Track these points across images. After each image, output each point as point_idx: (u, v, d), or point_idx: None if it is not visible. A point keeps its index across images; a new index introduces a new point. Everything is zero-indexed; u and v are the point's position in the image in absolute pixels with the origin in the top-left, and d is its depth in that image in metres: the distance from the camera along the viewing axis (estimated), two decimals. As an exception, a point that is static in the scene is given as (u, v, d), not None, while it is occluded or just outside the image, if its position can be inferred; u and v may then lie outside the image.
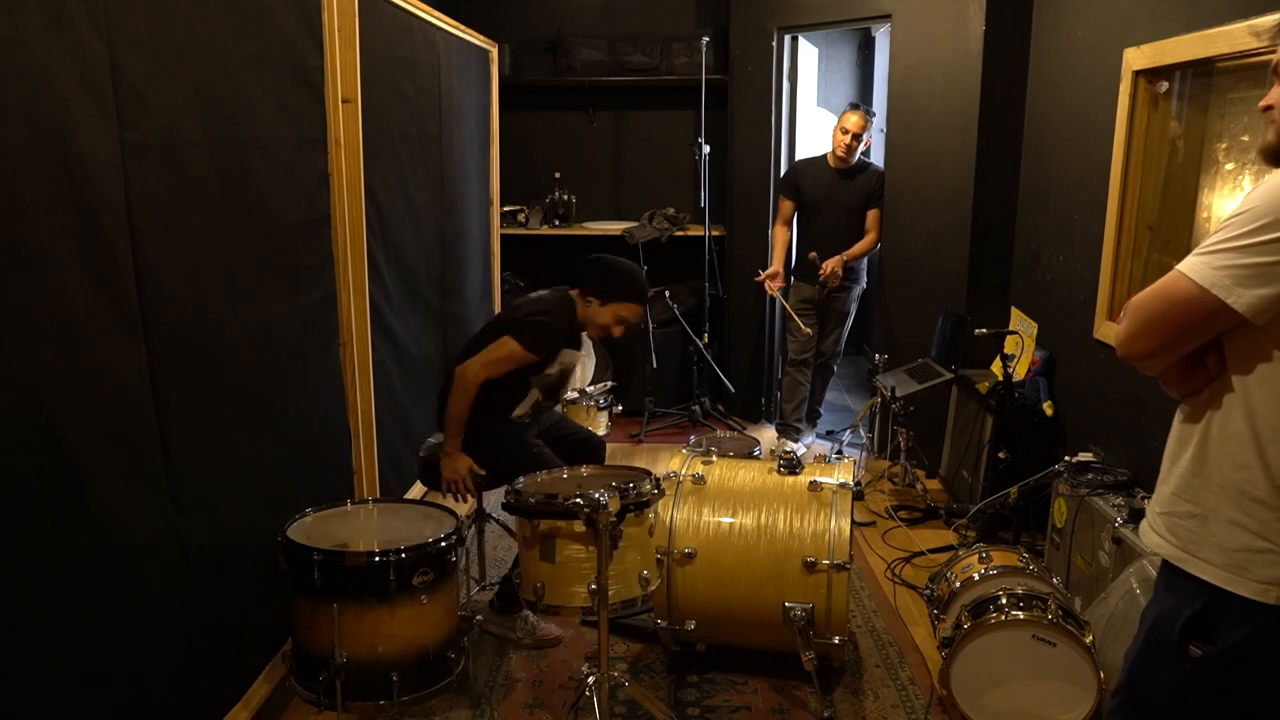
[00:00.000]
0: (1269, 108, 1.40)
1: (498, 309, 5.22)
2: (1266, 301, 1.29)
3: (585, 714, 2.50)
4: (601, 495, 2.25)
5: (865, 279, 5.02)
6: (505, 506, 2.52)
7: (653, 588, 2.45)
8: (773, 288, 4.90)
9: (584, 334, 3.12)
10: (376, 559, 2.34)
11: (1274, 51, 1.41)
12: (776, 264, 4.91)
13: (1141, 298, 1.43)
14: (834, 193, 4.80)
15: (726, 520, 2.84)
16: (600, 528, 2.27)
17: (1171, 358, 1.42)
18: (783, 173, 5.22)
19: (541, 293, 3.09)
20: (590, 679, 2.46)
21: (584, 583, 2.37)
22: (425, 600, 2.40)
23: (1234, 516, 1.38)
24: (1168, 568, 1.48)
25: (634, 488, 2.39)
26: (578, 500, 2.26)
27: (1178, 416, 1.50)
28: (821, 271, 4.74)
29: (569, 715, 2.59)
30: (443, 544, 2.44)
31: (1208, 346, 1.40)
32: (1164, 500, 1.50)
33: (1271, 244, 1.27)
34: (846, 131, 4.65)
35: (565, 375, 3.16)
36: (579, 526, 2.34)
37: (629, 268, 3.07)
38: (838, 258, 4.73)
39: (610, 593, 2.34)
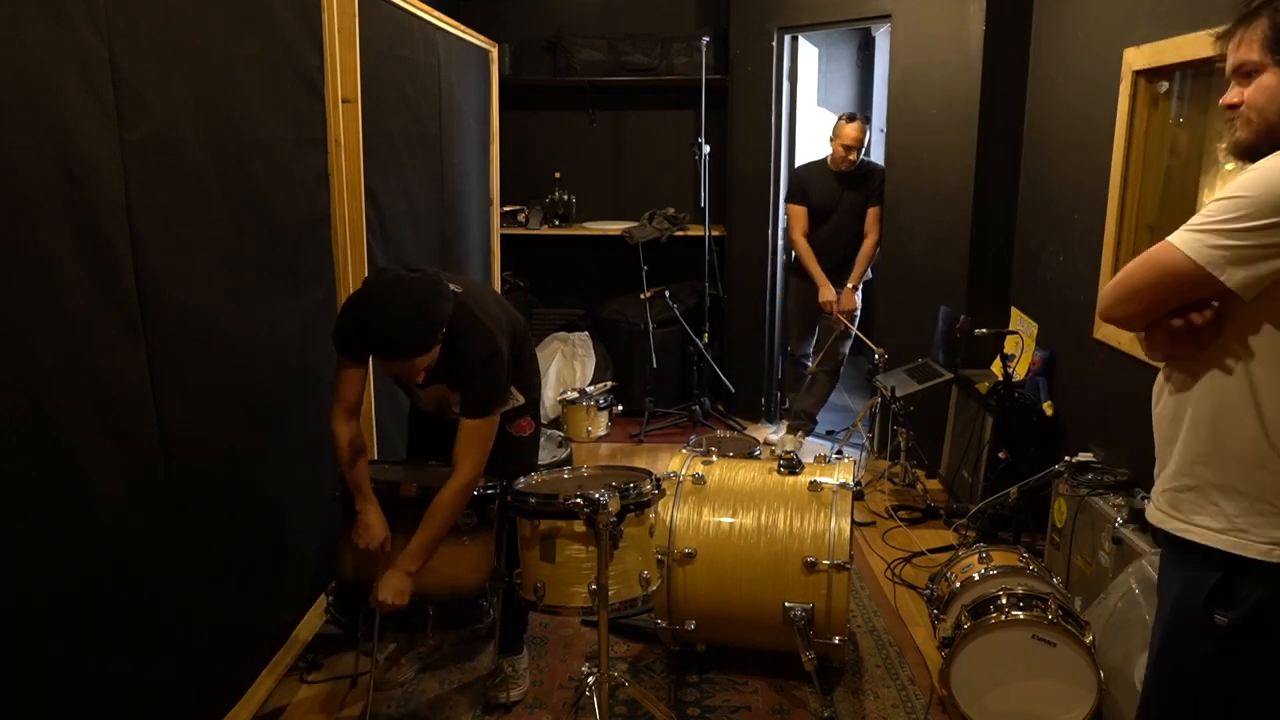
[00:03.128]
0: (1234, 105, 1.49)
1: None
2: (1257, 280, 1.40)
3: (585, 714, 2.50)
4: (601, 495, 2.25)
5: (871, 274, 5.03)
6: (506, 507, 2.52)
7: (653, 588, 2.46)
8: (838, 312, 4.80)
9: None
10: (424, 491, 2.44)
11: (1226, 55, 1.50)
12: (827, 288, 4.79)
13: (1132, 267, 1.53)
14: (837, 196, 4.80)
15: (726, 520, 2.84)
16: (600, 528, 2.27)
17: (1151, 319, 1.52)
18: (784, 177, 5.22)
19: None
20: (590, 679, 2.46)
21: (584, 583, 2.37)
22: (466, 541, 2.50)
23: (1231, 483, 1.46)
24: (1174, 543, 1.55)
25: (634, 488, 2.39)
26: (578, 500, 2.26)
27: (1165, 395, 1.58)
28: (836, 320, 4.76)
29: (569, 715, 2.59)
30: (488, 490, 2.54)
31: (1200, 323, 1.48)
32: (1165, 478, 1.57)
33: (1261, 229, 1.37)
34: (850, 147, 4.64)
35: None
36: (579, 526, 2.34)
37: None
38: (848, 291, 4.77)
39: (610, 593, 2.34)
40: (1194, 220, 1.45)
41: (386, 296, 2.26)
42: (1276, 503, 1.41)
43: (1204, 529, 1.48)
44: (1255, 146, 1.47)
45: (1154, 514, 1.59)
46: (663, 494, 2.54)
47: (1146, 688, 1.66)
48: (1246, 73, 1.46)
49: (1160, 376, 1.60)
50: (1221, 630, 1.46)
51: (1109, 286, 1.57)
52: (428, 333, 2.28)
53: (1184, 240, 1.44)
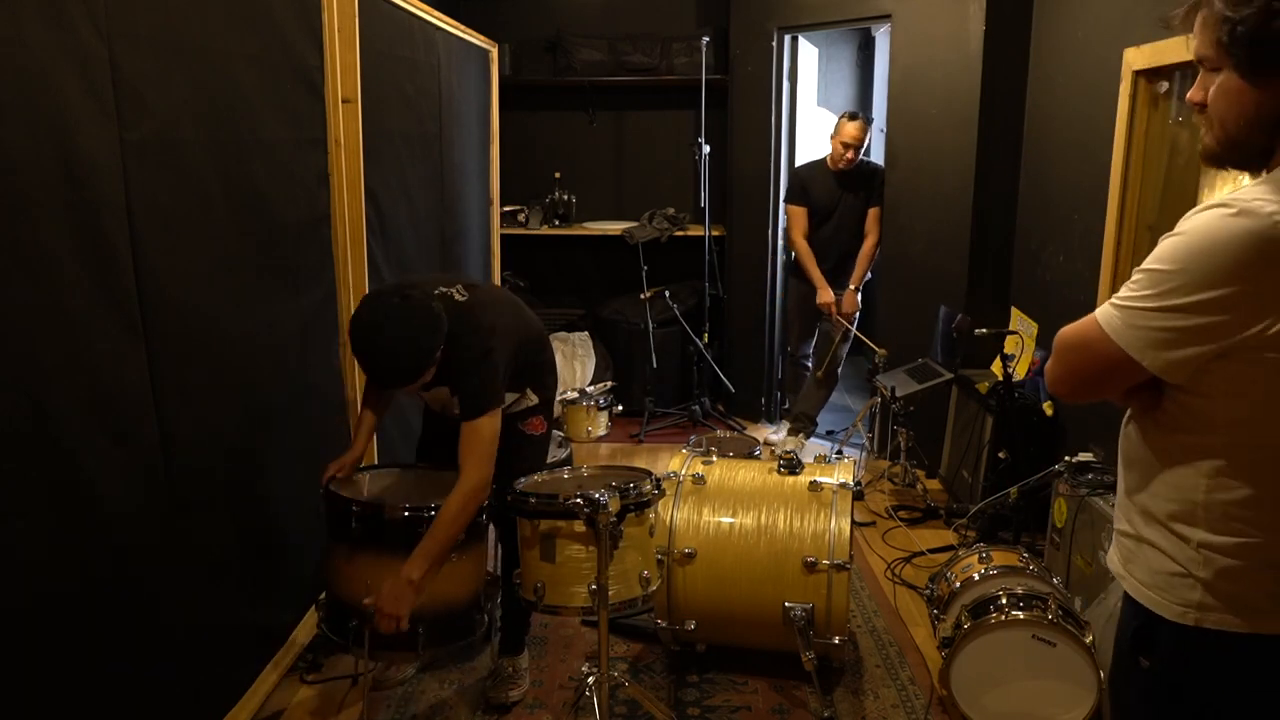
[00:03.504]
0: (1200, 105, 1.32)
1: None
2: (1180, 364, 1.26)
3: (585, 714, 2.50)
4: (601, 495, 2.25)
5: (870, 275, 5.03)
6: (506, 507, 2.52)
7: (653, 588, 2.45)
8: (838, 315, 4.85)
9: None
10: (412, 513, 2.40)
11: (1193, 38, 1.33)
12: (825, 291, 4.81)
13: (1064, 339, 1.41)
14: (838, 197, 4.80)
15: (726, 520, 2.84)
16: (600, 528, 2.27)
17: (1098, 397, 1.41)
18: (784, 178, 5.21)
19: None
20: (590, 679, 2.46)
21: (584, 583, 2.37)
22: (455, 558, 2.45)
23: (1153, 539, 1.39)
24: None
25: (634, 488, 2.39)
26: (578, 500, 2.26)
27: (1122, 426, 1.49)
28: (841, 318, 4.77)
29: (569, 715, 2.59)
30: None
31: (1145, 383, 1.37)
32: (1115, 517, 1.52)
33: (1187, 308, 1.23)
34: (847, 145, 4.64)
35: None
36: (579, 526, 2.34)
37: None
38: (850, 292, 4.78)
39: (610, 593, 2.34)
40: (1121, 290, 1.32)
41: (380, 334, 2.28)
42: (1190, 568, 1.34)
43: (1135, 580, 1.43)
44: (1220, 156, 1.33)
45: (1110, 551, 1.56)
46: (663, 494, 2.54)
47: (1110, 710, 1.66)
48: (1209, 68, 1.30)
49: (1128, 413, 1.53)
50: (1145, 671, 1.43)
51: (1051, 356, 1.44)
52: (419, 367, 2.32)
53: (1107, 317, 1.32)
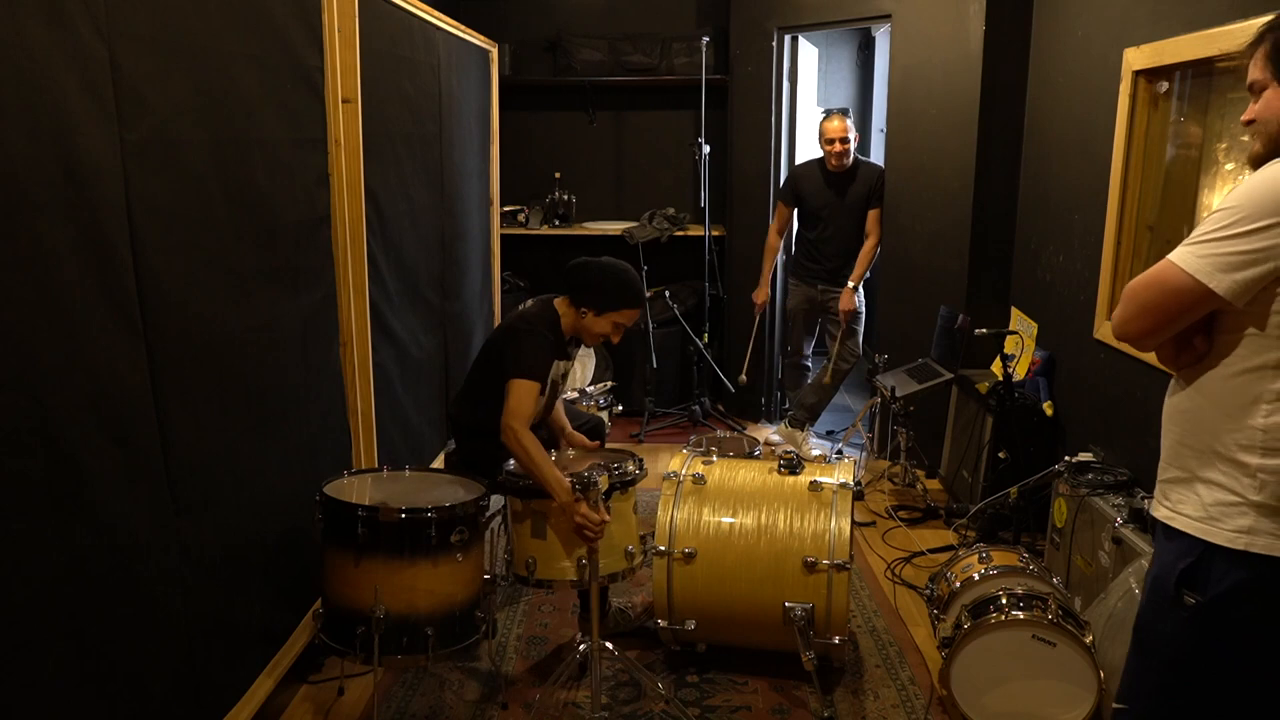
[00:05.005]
0: (1251, 121, 1.61)
1: (498, 309, 5.22)
2: (1244, 285, 1.48)
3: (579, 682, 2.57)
4: (591, 474, 2.41)
5: (869, 275, 5.03)
6: (497, 486, 2.56)
7: (638, 563, 2.60)
8: (759, 307, 5.15)
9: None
10: (420, 515, 2.41)
11: (1249, 60, 1.61)
12: (762, 290, 5.08)
13: (1135, 284, 1.61)
14: (835, 197, 4.80)
15: (727, 520, 2.84)
16: (591, 504, 2.43)
17: (1163, 338, 1.60)
18: (783, 175, 5.22)
19: (528, 306, 3.04)
20: (582, 647, 2.57)
21: (574, 558, 2.54)
22: (460, 558, 2.47)
23: (1210, 476, 1.57)
24: (1162, 527, 1.66)
25: (619, 467, 2.54)
26: (570, 479, 2.41)
27: (1170, 390, 1.68)
28: (842, 315, 4.82)
29: (562, 682, 2.65)
30: (481, 503, 2.53)
31: (1196, 328, 1.57)
32: (1161, 468, 1.69)
33: (1248, 234, 1.46)
34: (832, 141, 4.65)
35: (554, 386, 3.08)
36: None
37: (621, 273, 2.93)
38: (848, 290, 4.80)
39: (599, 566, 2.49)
40: (1190, 236, 1.55)
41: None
42: (1246, 494, 1.52)
43: (1186, 517, 1.59)
44: (1266, 158, 1.56)
45: (1155, 504, 1.71)
46: (645, 473, 2.72)
47: (1127, 659, 1.75)
48: (1258, 90, 1.58)
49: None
50: (1190, 609, 1.57)
51: (1119, 305, 1.65)
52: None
53: (1179, 255, 1.54)
